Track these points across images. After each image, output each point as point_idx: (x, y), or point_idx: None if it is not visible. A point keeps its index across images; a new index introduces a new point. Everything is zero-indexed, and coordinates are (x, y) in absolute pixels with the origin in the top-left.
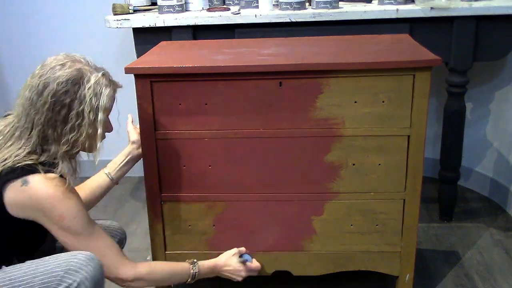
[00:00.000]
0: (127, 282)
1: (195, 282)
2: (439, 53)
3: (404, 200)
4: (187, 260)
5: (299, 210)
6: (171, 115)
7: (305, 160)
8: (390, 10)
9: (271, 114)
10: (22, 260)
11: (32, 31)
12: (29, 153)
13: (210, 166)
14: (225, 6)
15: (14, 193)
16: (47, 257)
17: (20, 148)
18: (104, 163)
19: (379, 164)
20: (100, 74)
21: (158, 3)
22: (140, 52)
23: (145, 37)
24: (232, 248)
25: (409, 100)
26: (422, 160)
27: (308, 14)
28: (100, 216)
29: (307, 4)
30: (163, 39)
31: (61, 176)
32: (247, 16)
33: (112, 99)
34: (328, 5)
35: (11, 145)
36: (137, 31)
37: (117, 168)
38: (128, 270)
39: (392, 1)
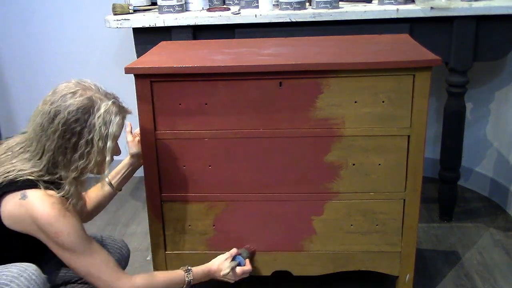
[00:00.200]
0: None
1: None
2: (439, 53)
3: (404, 200)
4: (181, 268)
5: (299, 210)
6: (171, 115)
7: (305, 160)
8: (390, 10)
9: (271, 114)
10: None
11: (32, 31)
12: (34, 172)
13: (210, 166)
14: (225, 6)
15: (11, 205)
16: None
17: (26, 166)
18: None
19: (379, 164)
20: (110, 103)
21: (158, 3)
22: (140, 52)
23: (145, 37)
24: (232, 248)
25: (409, 100)
26: (422, 160)
27: (308, 14)
28: (100, 216)
29: (307, 4)
30: (163, 39)
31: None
32: (247, 16)
33: (121, 126)
34: (328, 5)
35: (17, 161)
36: (137, 31)
37: (119, 179)
38: (125, 284)
39: (392, 1)
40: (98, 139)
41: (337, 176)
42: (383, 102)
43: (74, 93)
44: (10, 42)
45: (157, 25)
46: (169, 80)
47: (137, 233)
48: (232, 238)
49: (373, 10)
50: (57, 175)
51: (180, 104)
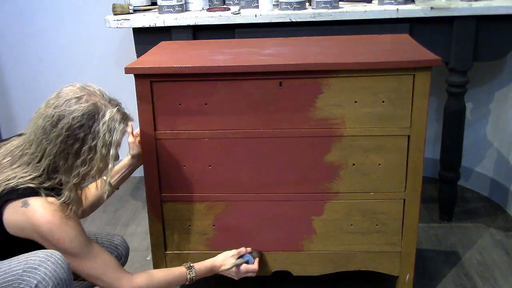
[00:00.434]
0: None
1: (195, 282)
2: (439, 53)
3: (404, 200)
4: (183, 264)
5: (299, 210)
6: (171, 115)
7: (305, 160)
8: (390, 10)
9: (271, 114)
10: None
11: (32, 31)
12: (34, 178)
13: (210, 166)
14: (225, 6)
15: (13, 213)
16: (16, 257)
17: (26, 172)
18: None
19: (379, 164)
20: (115, 110)
21: (158, 3)
22: (140, 52)
23: (145, 37)
24: (232, 248)
25: (409, 100)
26: (422, 160)
27: (308, 14)
28: (100, 216)
29: (307, 4)
30: (163, 39)
31: (64, 202)
32: (247, 16)
33: (124, 134)
34: (328, 5)
35: (17, 167)
36: (137, 31)
37: (118, 178)
38: (126, 283)
39: (392, 1)
40: (102, 146)
41: (337, 176)
42: (383, 102)
43: (79, 98)
44: (10, 42)
45: (157, 25)
46: (169, 80)
47: (137, 233)
48: (232, 238)
49: (373, 10)
50: (57, 180)
51: (180, 104)
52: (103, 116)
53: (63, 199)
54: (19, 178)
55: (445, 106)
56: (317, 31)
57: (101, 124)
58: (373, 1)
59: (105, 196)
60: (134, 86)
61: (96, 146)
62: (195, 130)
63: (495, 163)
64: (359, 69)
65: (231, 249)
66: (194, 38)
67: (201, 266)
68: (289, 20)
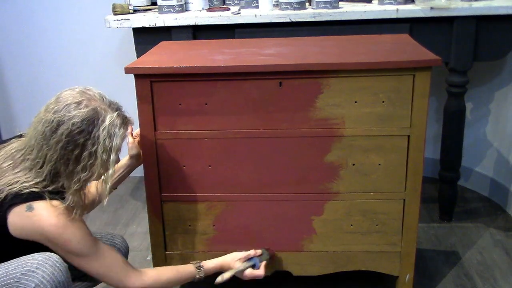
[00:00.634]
0: None
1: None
2: (439, 53)
3: (404, 200)
4: (192, 262)
5: (299, 210)
6: (171, 115)
7: (305, 160)
8: (390, 10)
9: (271, 114)
10: None
11: (32, 31)
12: (38, 182)
13: (210, 166)
14: (225, 6)
15: (18, 217)
16: (13, 260)
17: (29, 177)
18: None
19: (379, 164)
20: (115, 115)
21: (158, 3)
22: (140, 52)
23: (145, 37)
24: (232, 248)
25: (409, 100)
26: (422, 160)
27: (308, 14)
28: (100, 216)
29: (307, 4)
30: (163, 39)
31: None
32: (247, 16)
33: (124, 138)
34: (328, 5)
35: (19, 171)
36: (137, 31)
37: (116, 178)
38: (135, 281)
39: (392, 1)
40: (102, 152)
41: (337, 176)
42: (383, 102)
43: (78, 103)
44: (10, 42)
45: (157, 25)
46: (169, 80)
47: (137, 233)
48: (232, 238)
49: (373, 10)
50: (61, 184)
51: (180, 104)
52: (103, 121)
53: (67, 203)
54: (23, 183)
55: (445, 106)
56: (317, 31)
57: (101, 129)
58: (373, 1)
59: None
60: (134, 86)
61: (97, 151)
62: (195, 130)
63: (495, 163)
64: (359, 69)
65: (231, 249)
66: (194, 38)
67: (210, 265)
68: (289, 20)
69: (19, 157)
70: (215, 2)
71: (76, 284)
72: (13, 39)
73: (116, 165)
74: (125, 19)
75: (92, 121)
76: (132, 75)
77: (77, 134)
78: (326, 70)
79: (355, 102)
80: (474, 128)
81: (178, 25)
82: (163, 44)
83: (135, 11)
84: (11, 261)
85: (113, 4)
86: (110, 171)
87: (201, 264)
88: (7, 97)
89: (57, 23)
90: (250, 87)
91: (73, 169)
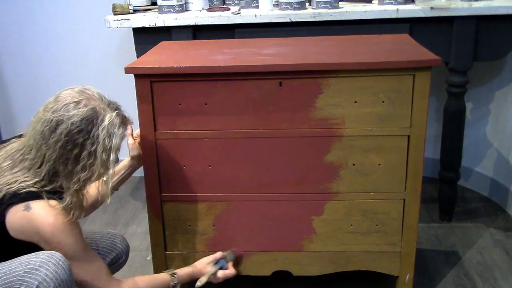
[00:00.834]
0: None
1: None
2: (439, 53)
3: (404, 200)
4: (166, 271)
5: (299, 210)
6: (171, 115)
7: (305, 160)
8: (390, 10)
9: (271, 114)
10: None
11: (32, 31)
12: (36, 182)
13: (210, 166)
14: (225, 6)
15: (16, 217)
16: (16, 258)
17: (28, 177)
18: None
19: (379, 164)
20: (114, 114)
21: (158, 3)
22: (140, 52)
23: (145, 37)
24: (232, 248)
25: (409, 100)
26: (422, 160)
27: (308, 14)
28: (100, 216)
29: (307, 4)
30: (163, 39)
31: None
32: (247, 16)
33: (123, 138)
34: (328, 5)
35: (18, 171)
36: (137, 31)
37: (117, 179)
38: None
39: (392, 1)
40: (102, 151)
41: (337, 176)
42: (383, 102)
43: (77, 102)
44: (10, 42)
45: (157, 25)
46: (169, 80)
47: (137, 233)
48: (232, 238)
49: (373, 10)
50: (59, 183)
51: (180, 104)
52: (102, 121)
53: (65, 203)
54: (21, 183)
55: (445, 106)
56: (317, 31)
57: (100, 129)
58: (373, 1)
59: (108, 200)
60: (134, 86)
61: (96, 151)
62: (195, 130)
63: (495, 163)
64: (359, 69)
65: (206, 257)
66: (194, 38)
67: (183, 272)
68: (289, 20)
69: (18, 157)
70: (215, 2)
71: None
72: (13, 39)
73: (117, 166)
74: (125, 19)
75: (91, 121)
76: (132, 75)
77: (76, 133)
78: (326, 70)
79: (355, 102)
80: (474, 128)
81: (178, 25)
82: (163, 44)
83: (135, 11)
84: (13, 259)
85: (113, 4)
86: (110, 171)
87: (175, 272)
88: (7, 97)
89: (57, 23)
90: (250, 87)
91: (72, 169)
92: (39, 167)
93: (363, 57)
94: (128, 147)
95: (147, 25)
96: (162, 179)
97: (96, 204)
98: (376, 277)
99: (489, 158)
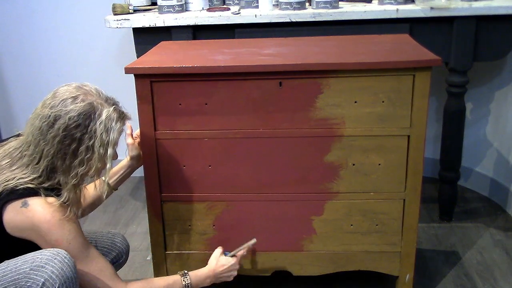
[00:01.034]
0: None
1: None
2: (439, 53)
3: (404, 200)
4: (178, 272)
5: (299, 210)
6: (171, 115)
7: (305, 160)
8: (390, 10)
9: (271, 114)
10: None
11: (31, 31)
12: (34, 178)
13: (210, 166)
14: (225, 6)
15: (13, 213)
16: (21, 256)
17: (26, 173)
18: None
19: (379, 164)
20: (111, 109)
21: (158, 3)
22: (140, 52)
23: (145, 37)
24: (232, 248)
25: (409, 100)
26: (422, 160)
27: (308, 14)
28: (100, 216)
29: (307, 4)
30: (163, 39)
31: (64, 202)
32: (247, 16)
33: (121, 132)
34: (328, 5)
35: (16, 168)
36: (137, 31)
37: (117, 179)
38: None
39: (392, 1)
40: (99, 146)
41: (337, 176)
42: (383, 102)
43: (75, 98)
44: (9, 42)
45: (157, 25)
46: (169, 80)
47: (137, 233)
48: (232, 238)
49: (373, 10)
50: (57, 180)
51: (180, 104)
52: (100, 115)
53: (62, 199)
54: (19, 179)
55: (445, 106)
56: (317, 31)
57: (98, 123)
58: (373, 1)
59: (104, 196)
60: (134, 86)
61: (94, 146)
62: (195, 130)
63: (495, 163)
64: (359, 69)
65: (231, 249)
66: (194, 38)
67: (197, 273)
68: (289, 20)
69: (17, 154)
70: (215, 2)
71: None
72: (13, 39)
73: (116, 166)
74: (125, 19)
75: (88, 115)
76: (132, 75)
77: (74, 128)
78: (326, 70)
79: (355, 102)
80: (474, 128)
81: (178, 25)
82: (163, 44)
83: (135, 11)
84: (18, 257)
85: (113, 4)
86: (108, 165)
87: (186, 272)
88: (7, 97)
89: (57, 23)
90: (250, 87)
91: (70, 163)
92: (37, 163)
93: (363, 57)
94: (127, 147)
95: (147, 25)
96: (162, 179)
97: (95, 203)
98: (376, 277)
99: (489, 158)
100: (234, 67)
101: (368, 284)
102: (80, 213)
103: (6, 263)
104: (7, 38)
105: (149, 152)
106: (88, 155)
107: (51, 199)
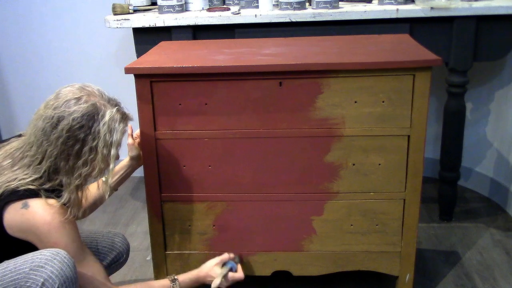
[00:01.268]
0: None
1: None
2: (439, 53)
3: (404, 200)
4: (167, 277)
5: (299, 210)
6: (171, 115)
7: (305, 160)
8: (390, 10)
9: (271, 114)
10: None
11: (32, 31)
12: (35, 179)
13: (210, 166)
14: (225, 6)
15: (13, 214)
16: (20, 256)
17: (27, 174)
18: None
19: (379, 164)
20: (114, 110)
21: (158, 3)
22: (140, 52)
23: (145, 37)
24: (232, 248)
25: (409, 100)
26: (422, 160)
27: (308, 14)
28: (100, 216)
29: (307, 4)
30: (163, 39)
31: (64, 204)
32: (247, 16)
33: (124, 133)
34: (328, 5)
35: (17, 169)
36: (137, 31)
37: (117, 179)
38: None
39: (392, 1)
40: (103, 147)
41: (337, 176)
42: (383, 102)
43: (78, 99)
44: (10, 42)
45: (157, 25)
46: (169, 80)
47: (137, 233)
48: (232, 238)
49: (373, 10)
50: (58, 181)
51: (180, 104)
52: (103, 116)
53: (62, 200)
54: (20, 180)
55: (445, 106)
56: (317, 31)
57: (101, 124)
58: (373, 1)
59: (106, 196)
60: (134, 86)
61: (97, 146)
62: (195, 130)
63: (495, 163)
64: (359, 69)
65: (231, 250)
66: (194, 38)
67: (186, 277)
68: (289, 20)
69: (18, 155)
70: (215, 2)
71: None
72: (13, 39)
73: (116, 166)
74: (125, 19)
75: (92, 116)
76: (132, 75)
77: (77, 129)
78: (326, 70)
79: (355, 102)
80: (474, 128)
81: (178, 25)
82: (163, 44)
83: (135, 11)
84: (17, 257)
85: (113, 4)
86: (111, 166)
87: (176, 277)
88: (7, 97)
89: (57, 23)
90: (250, 87)
91: (74, 164)
92: (39, 164)
93: (363, 57)
94: (127, 147)
95: (147, 25)
96: (162, 179)
97: (96, 203)
98: (376, 277)
99: (489, 158)
100: (234, 67)
101: (368, 284)
102: (81, 214)
103: (6, 263)
104: (7, 38)
105: (149, 152)
106: (91, 156)
107: (51, 201)
